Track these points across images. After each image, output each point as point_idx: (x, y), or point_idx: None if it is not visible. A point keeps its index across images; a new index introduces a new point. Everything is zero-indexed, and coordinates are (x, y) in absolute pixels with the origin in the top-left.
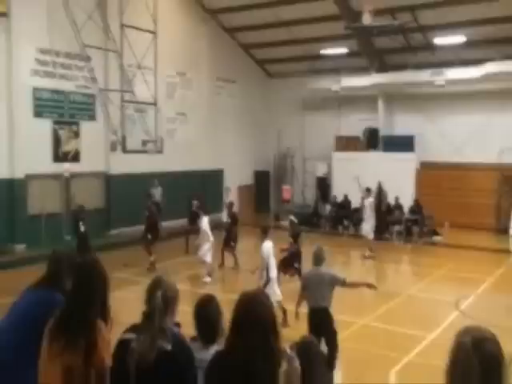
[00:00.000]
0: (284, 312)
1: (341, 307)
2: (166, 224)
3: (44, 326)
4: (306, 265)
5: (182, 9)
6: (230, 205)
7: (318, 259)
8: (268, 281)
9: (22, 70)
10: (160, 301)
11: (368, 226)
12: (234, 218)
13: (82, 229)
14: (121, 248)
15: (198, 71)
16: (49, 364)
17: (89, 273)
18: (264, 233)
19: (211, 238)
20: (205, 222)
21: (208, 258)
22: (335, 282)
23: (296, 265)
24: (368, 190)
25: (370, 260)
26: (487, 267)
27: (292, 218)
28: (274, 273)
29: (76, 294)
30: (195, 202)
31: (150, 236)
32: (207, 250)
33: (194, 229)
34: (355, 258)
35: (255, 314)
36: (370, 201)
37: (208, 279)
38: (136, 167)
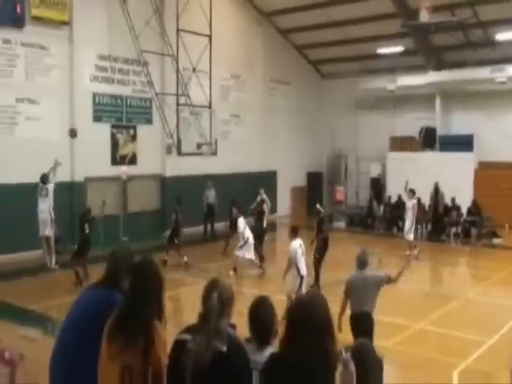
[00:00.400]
0: None
1: (396, 310)
2: (217, 225)
3: (104, 324)
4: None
5: (236, 11)
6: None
7: (362, 263)
8: (302, 280)
9: (82, 76)
10: (216, 302)
11: (407, 227)
12: (259, 213)
13: (87, 231)
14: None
15: (252, 73)
16: (108, 362)
17: (144, 273)
18: (294, 232)
19: (249, 238)
20: (241, 223)
21: (248, 255)
22: (381, 282)
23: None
24: (412, 192)
25: (413, 259)
26: None
27: (318, 206)
28: (304, 271)
29: (133, 294)
30: (234, 210)
31: (176, 240)
32: (246, 249)
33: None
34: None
35: (309, 315)
36: (413, 202)
37: (256, 271)
38: (191, 169)
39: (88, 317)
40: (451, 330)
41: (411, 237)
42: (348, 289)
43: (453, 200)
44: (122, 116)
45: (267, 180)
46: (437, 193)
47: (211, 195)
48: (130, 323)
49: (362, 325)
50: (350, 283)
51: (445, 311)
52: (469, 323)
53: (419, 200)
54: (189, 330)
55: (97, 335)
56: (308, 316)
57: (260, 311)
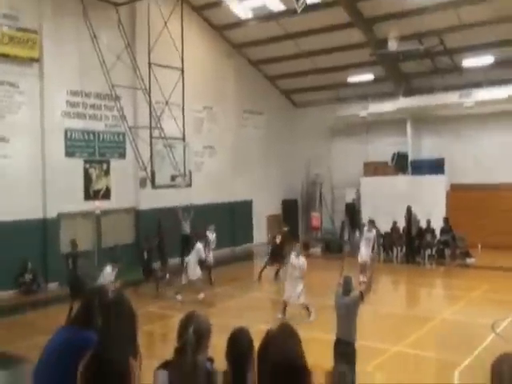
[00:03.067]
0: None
1: (373, 334)
2: None
3: (76, 366)
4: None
5: (207, 44)
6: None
7: (346, 290)
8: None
9: (54, 112)
10: (192, 336)
11: (363, 254)
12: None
13: (71, 266)
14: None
15: (225, 104)
16: None
17: (116, 311)
18: (306, 247)
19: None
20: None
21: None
22: (357, 299)
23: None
24: (372, 223)
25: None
26: None
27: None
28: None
29: (105, 333)
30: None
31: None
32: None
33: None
34: (386, 284)
35: (282, 355)
36: (373, 234)
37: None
38: (165, 201)
39: (60, 360)
40: (428, 351)
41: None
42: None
43: (428, 222)
44: (94, 151)
45: (243, 209)
46: (410, 216)
47: (186, 226)
48: (104, 364)
49: (343, 351)
50: (336, 308)
51: (422, 333)
52: (445, 344)
53: (395, 223)
54: (165, 365)
55: (69, 379)
56: (281, 357)
57: (237, 341)
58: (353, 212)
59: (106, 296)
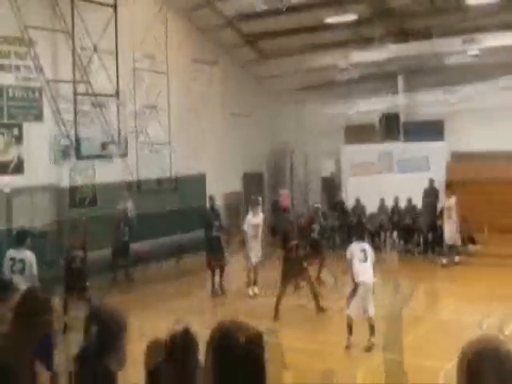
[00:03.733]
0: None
1: (359, 337)
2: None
3: None
4: None
5: None
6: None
7: None
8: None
9: None
10: (95, 339)
11: None
12: None
13: None
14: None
15: (170, 52)
16: None
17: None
18: None
19: None
20: None
21: None
22: None
23: None
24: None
25: None
26: None
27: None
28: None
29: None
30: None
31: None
32: None
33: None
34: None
35: None
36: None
37: None
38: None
39: None
40: (423, 358)
41: None
42: None
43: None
44: (1, 111)
45: (193, 185)
46: (434, 192)
47: (130, 208)
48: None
49: None
50: None
51: (412, 336)
52: (444, 348)
53: (383, 202)
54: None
55: None
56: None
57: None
58: (331, 188)
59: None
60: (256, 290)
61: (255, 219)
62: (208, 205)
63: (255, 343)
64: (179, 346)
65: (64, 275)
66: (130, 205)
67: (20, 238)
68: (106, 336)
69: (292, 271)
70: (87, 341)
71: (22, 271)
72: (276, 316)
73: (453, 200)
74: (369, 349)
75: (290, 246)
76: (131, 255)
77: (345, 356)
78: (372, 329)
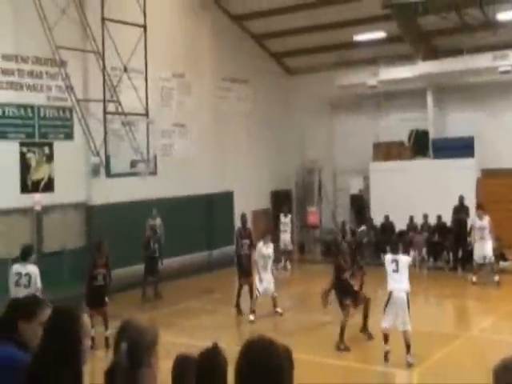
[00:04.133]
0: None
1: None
2: (167, 261)
3: None
4: None
5: None
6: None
7: None
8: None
9: None
10: (125, 355)
11: None
12: None
13: None
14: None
15: (200, 71)
16: None
17: (59, 328)
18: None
19: None
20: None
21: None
22: None
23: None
24: None
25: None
26: None
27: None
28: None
29: (42, 352)
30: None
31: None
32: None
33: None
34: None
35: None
36: None
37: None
38: (124, 195)
39: None
40: (453, 377)
41: None
42: None
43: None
44: (33, 131)
45: (222, 203)
46: (463, 208)
47: (157, 226)
48: None
49: None
50: None
51: (445, 353)
52: (474, 366)
53: (412, 219)
54: None
55: None
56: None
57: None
58: (360, 206)
59: (40, 303)
60: (252, 317)
61: (266, 249)
62: (240, 223)
63: (286, 359)
64: (209, 363)
65: (86, 292)
66: (158, 222)
67: (25, 254)
68: (136, 352)
69: (347, 295)
70: (117, 357)
71: (27, 285)
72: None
73: (486, 220)
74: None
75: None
76: (160, 272)
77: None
78: (408, 346)
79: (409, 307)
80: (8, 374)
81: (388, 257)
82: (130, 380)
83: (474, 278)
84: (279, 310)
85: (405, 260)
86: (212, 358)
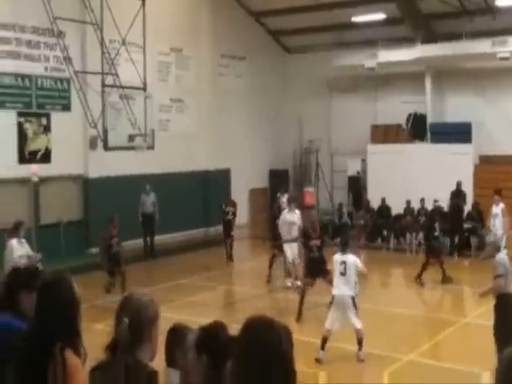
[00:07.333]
0: None
1: (379, 339)
2: (163, 238)
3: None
4: None
5: None
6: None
7: None
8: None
9: None
10: (126, 328)
11: None
12: None
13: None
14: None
15: (198, 46)
16: None
17: (52, 292)
18: None
19: None
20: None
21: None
22: None
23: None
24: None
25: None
26: None
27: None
28: None
29: (37, 318)
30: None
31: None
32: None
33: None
34: (398, 278)
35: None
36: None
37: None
38: (121, 168)
39: None
40: (447, 362)
41: None
42: None
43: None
44: (31, 101)
45: (218, 180)
46: (461, 193)
47: (149, 202)
48: (34, 357)
49: None
50: None
51: (439, 339)
52: (468, 353)
53: (409, 203)
54: (99, 367)
55: None
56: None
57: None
58: (357, 188)
59: (38, 275)
60: (289, 283)
61: (290, 216)
62: None
63: (285, 339)
64: (212, 338)
65: (105, 259)
66: (152, 197)
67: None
68: (138, 327)
69: (315, 271)
70: (118, 331)
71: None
72: (299, 318)
73: (499, 207)
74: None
75: (311, 245)
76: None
77: None
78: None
79: (356, 308)
80: (4, 341)
81: (336, 257)
82: (131, 354)
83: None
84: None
85: (352, 261)
86: (215, 333)
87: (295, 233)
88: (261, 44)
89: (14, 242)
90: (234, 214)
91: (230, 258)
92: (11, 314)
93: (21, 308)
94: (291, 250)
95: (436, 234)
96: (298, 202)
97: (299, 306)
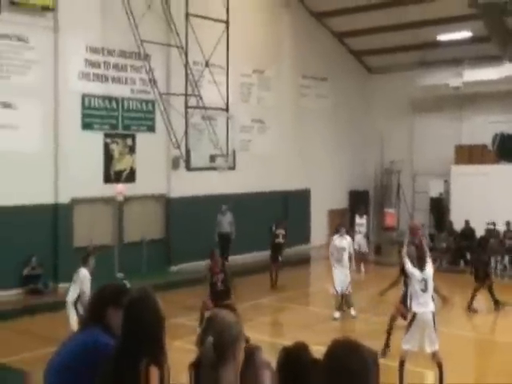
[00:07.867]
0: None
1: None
2: (239, 258)
3: (90, 370)
4: None
5: None
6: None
7: None
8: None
9: (69, 74)
10: (211, 349)
11: None
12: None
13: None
14: (183, 288)
15: (280, 68)
16: None
17: (139, 309)
18: None
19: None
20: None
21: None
22: None
23: None
24: None
25: None
26: None
27: None
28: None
29: (123, 334)
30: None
31: None
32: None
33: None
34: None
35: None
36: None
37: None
38: (203, 188)
39: (75, 364)
40: None
41: None
42: None
43: None
44: (117, 122)
45: (298, 201)
46: None
47: (225, 221)
48: (120, 371)
49: None
50: None
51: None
52: None
53: (494, 225)
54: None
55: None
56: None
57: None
58: (439, 209)
59: (124, 293)
60: (337, 314)
61: (340, 242)
62: None
63: (372, 362)
64: (293, 359)
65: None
66: (228, 217)
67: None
68: (222, 346)
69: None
70: (203, 350)
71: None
72: (385, 351)
73: None
74: None
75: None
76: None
77: None
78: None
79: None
80: (92, 356)
81: (417, 274)
82: (214, 374)
83: None
84: (353, 312)
85: (431, 274)
86: (296, 355)
87: (346, 259)
88: (343, 64)
89: (86, 272)
90: (285, 237)
91: (274, 284)
92: (100, 328)
93: (109, 323)
94: (340, 279)
95: None
96: (346, 227)
97: (387, 337)
